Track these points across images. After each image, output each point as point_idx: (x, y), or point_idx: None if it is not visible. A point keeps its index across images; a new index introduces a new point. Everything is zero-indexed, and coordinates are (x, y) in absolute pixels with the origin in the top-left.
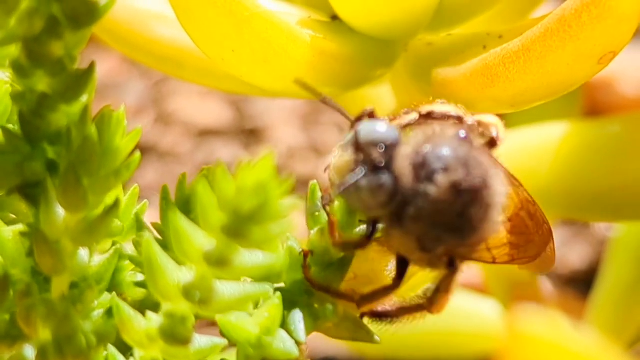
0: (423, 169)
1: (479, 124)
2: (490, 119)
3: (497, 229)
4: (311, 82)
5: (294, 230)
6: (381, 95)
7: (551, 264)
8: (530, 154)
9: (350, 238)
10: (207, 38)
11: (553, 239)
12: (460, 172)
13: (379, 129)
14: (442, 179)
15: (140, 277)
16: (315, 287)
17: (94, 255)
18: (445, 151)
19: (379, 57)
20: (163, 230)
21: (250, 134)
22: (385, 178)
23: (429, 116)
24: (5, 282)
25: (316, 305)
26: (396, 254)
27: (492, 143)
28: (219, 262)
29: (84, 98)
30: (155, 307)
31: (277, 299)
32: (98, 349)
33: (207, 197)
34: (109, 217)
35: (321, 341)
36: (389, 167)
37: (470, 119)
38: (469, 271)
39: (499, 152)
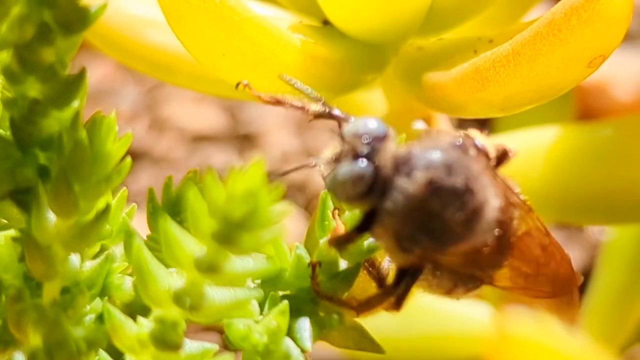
0: (405, 164)
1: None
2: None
3: (486, 242)
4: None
5: (286, 236)
6: (372, 99)
7: (574, 311)
8: (523, 158)
9: (339, 233)
10: (197, 43)
11: (577, 290)
12: (441, 172)
13: (369, 123)
14: (420, 174)
15: (129, 280)
16: (319, 295)
17: (85, 261)
18: (432, 149)
19: (370, 61)
20: (153, 235)
21: (244, 140)
22: (365, 167)
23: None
24: None
25: (321, 314)
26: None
27: (499, 161)
28: (209, 268)
29: (75, 104)
30: (144, 310)
31: (284, 307)
32: (89, 354)
33: (197, 204)
34: (100, 222)
35: (314, 345)
36: (371, 157)
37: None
38: None
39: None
